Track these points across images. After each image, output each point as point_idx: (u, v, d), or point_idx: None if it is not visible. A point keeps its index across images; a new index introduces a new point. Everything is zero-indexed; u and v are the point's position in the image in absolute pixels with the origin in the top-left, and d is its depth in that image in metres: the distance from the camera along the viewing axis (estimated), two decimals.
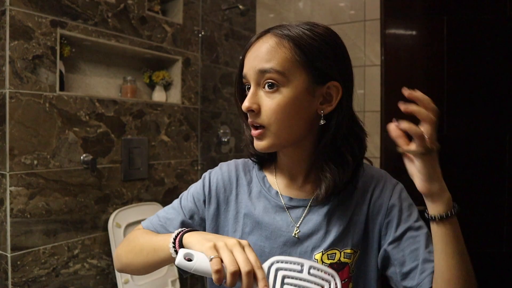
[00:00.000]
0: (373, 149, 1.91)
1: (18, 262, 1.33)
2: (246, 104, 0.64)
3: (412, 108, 0.52)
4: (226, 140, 2.21)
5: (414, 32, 1.63)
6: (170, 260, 0.64)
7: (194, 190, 0.78)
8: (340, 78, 0.65)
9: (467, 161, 1.53)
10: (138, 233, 0.77)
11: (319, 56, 0.63)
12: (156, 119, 1.82)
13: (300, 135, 0.67)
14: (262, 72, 0.63)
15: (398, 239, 0.67)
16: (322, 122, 0.65)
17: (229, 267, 0.52)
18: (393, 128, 0.54)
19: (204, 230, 0.76)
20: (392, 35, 1.65)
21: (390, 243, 0.67)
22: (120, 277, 1.54)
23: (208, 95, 2.14)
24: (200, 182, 0.79)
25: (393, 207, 0.69)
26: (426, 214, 0.60)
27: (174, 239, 0.62)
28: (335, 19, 2.09)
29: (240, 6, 2.13)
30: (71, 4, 1.46)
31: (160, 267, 0.69)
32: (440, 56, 1.53)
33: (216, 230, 0.75)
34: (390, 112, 1.60)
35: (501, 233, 1.50)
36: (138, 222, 1.67)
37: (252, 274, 0.52)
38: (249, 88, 0.66)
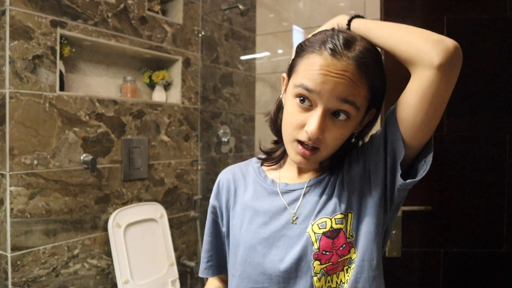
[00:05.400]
0: None
1: (18, 262, 1.33)
2: (317, 132, 0.62)
3: None
4: (226, 140, 2.21)
5: None
6: None
7: (210, 204, 0.83)
8: (379, 105, 0.70)
9: (467, 161, 1.53)
10: None
11: (383, 93, 0.68)
12: (156, 119, 1.82)
13: None
14: (343, 102, 0.61)
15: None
16: (353, 140, 0.72)
17: None
18: None
19: (228, 218, 0.80)
20: None
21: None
22: (120, 277, 1.54)
23: (208, 95, 2.14)
24: (211, 194, 0.84)
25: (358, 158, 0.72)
26: (347, 24, 0.69)
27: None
28: None
29: (240, 6, 2.13)
30: (71, 4, 1.46)
31: None
32: None
33: (228, 221, 0.79)
34: None
35: (501, 233, 1.50)
36: (138, 222, 1.67)
37: None
38: (303, 100, 0.63)
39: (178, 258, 1.90)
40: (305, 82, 0.62)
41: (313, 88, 0.61)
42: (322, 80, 0.60)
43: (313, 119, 0.62)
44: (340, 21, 0.71)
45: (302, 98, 0.63)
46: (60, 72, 1.47)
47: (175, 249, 1.86)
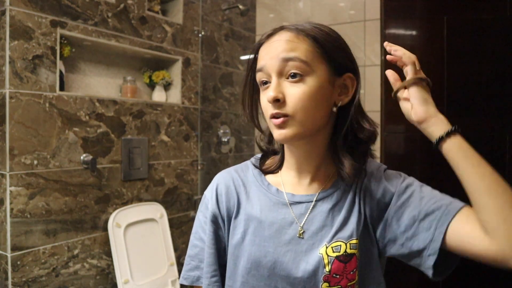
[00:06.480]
0: (373, 148, 1.91)
1: (18, 262, 1.33)
2: (272, 94, 0.64)
3: (395, 53, 0.66)
4: (226, 140, 2.21)
5: (414, 32, 1.63)
6: None
7: (210, 213, 0.76)
8: (354, 70, 0.70)
9: None
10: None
11: (335, 49, 0.67)
12: (156, 119, 1.82)
13: (320, 125, 0.68)
14: (286, 61, 0.64)
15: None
16: (334, 109, 0.68)
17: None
18: (391, 73, 0.68)
19: (229, 231, 0.76)
20: (392, 35, 1.65)
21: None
22: (120, 277, 1.54)
23: (208, 95, 2.14)
24: (202, 207, 0.79)
25: (385, 191, 0.70)
26: (433, 144, 0.64)
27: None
28: (335, 19, 2.09)
29: (240, 6, 2.13)
30: (71, 4, 1.46)
31: None
32: (440, 56, 1.53)
33: (228, 231, 0.76)
34: (390, 112, 1.60)
35: None
36: (138, 222, 1.67)
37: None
38: (265, 83, 0.68)
39: (178, 258, 1.90)
40: (258, 66, 0.69)
41: (263, 64, 0.67)
42: (265, 53, 0.67)
43: (270, 87, 0.66)
44: (434, 122, 0.65)
45: (264, 82, 0.68)
46: (60, 72, 1.47)
47: (175, 249, 1.86)
